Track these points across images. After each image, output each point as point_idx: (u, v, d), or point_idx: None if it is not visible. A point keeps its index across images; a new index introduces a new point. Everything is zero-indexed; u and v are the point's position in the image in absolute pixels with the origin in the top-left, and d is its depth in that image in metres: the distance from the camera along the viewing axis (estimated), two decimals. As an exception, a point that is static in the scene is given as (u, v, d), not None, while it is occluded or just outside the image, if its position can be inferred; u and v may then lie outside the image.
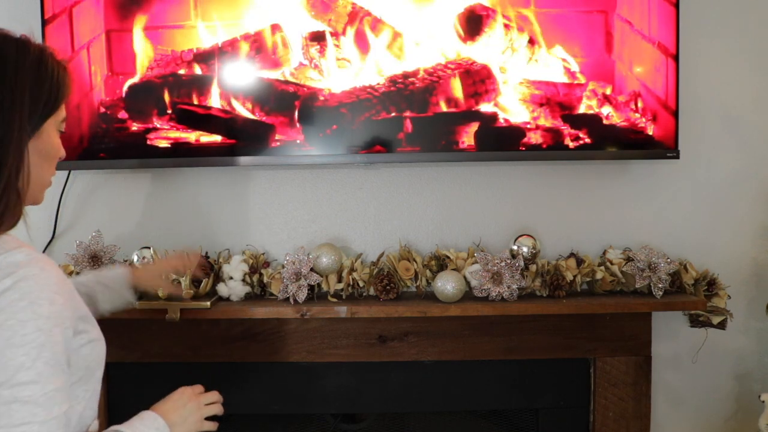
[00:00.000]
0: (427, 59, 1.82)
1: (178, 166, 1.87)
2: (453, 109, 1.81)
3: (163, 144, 1.82)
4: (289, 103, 1.80)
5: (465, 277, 1.82)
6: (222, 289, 1.82)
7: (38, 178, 1.01)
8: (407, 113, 1.80)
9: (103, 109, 1.82)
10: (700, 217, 1.97)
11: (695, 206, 1.97)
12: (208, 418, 1.15)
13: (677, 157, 1.82)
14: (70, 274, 1.83)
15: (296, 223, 1.97)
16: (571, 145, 1.82)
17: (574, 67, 1.83)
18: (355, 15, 1.80)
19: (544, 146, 1.82)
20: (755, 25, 1.94)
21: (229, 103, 1.81)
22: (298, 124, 1.80)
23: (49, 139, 1.02)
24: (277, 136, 1.81)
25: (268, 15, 1.81)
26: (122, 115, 1.82)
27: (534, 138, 1.82)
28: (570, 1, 1.81)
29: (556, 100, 1.82)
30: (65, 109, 1.06)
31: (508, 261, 1.78)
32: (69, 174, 1.93)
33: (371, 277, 1.84)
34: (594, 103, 1.83)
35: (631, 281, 1.84)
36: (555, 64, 1.83)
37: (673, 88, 1.80)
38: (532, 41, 1.81)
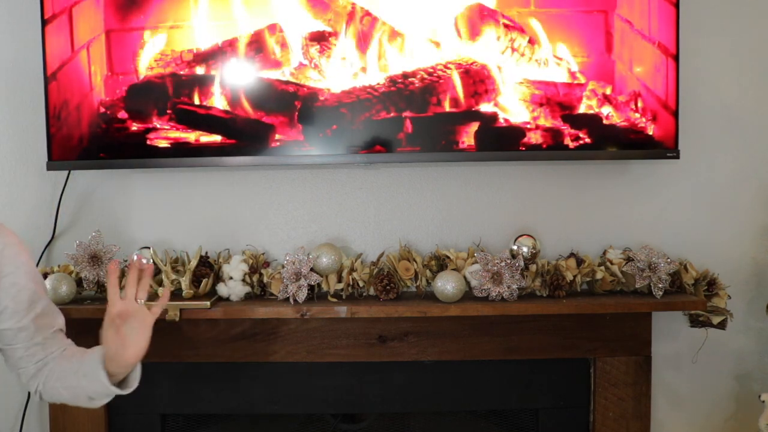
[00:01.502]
0: (427, 59, 1.81)
1: (178, 166, 1.87)
2: (453, 109, 1.81)
3: (163, 144, 1.82)
4: (289, 103, 1.80)
5: (465, 277, 1.82)
6: (222, 289, 1.82)
7: None
8: (407, 113, 1.80)
9: (103, 109, 1.82)
10: (700, 217, 1.97)
11: (695, 206, 1.97)
12: None
13: (677, 157, 1.82)
14: (70, 274, 1.83)
15: (296, 223, 1.97)
16: (571, 145, 1.82)
17: (574, 66, 1.83)
18: (355, 15, 1.80)
19: (544, 146, 1.82)
20: (755, 25, 1.94)
21: (229, 103, 1.81)
22: (298, 124, 1.80)
23: None
24: (277, 136, 1.81)
25: (268, 15, 1.81)
26: (122, 115, 1.82)
27: (534, 138, 1.82)
28: (570, 0, 1.81)
29: (556, 100, 1.82)
30: None
31: (508, 261, 1.78)
32: (69, 174, 1.93)
33: (371, 277, 1.84)
34: (594, 103, 1.83)
35: (631, 281, 1.84)
36: (555, 63, 1.83)
37: (673, 88, 1.80)
38: (531, 41, 1.81)
